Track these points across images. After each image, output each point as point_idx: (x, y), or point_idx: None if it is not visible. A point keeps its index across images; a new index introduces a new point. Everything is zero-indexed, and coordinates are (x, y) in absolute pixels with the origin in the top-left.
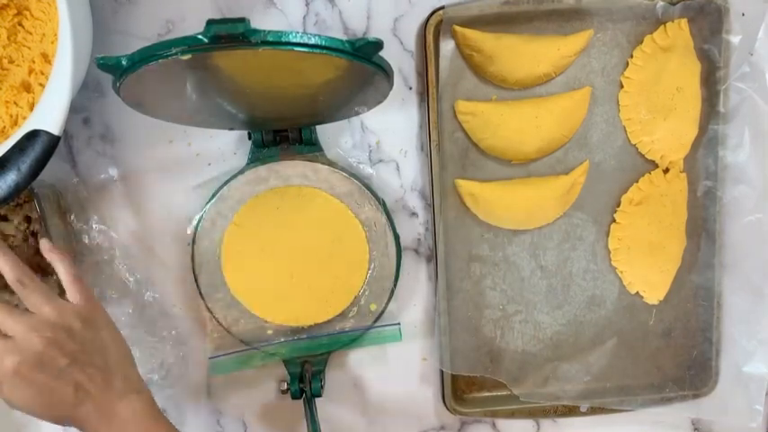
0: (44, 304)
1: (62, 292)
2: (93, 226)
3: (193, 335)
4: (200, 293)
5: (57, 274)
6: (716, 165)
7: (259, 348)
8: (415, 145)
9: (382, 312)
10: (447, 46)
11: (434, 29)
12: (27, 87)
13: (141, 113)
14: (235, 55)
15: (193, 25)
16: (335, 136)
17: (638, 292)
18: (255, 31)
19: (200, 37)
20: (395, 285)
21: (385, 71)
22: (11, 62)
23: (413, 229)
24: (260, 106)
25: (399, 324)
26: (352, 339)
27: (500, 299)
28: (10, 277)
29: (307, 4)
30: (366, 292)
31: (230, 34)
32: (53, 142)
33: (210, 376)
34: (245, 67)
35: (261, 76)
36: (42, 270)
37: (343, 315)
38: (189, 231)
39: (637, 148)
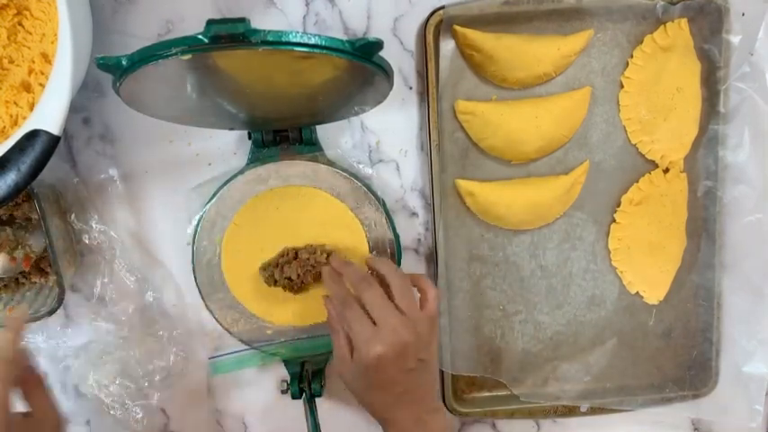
0: (411, 307)
1: (62, 293)
2: (94, 226)
3: (193, 335)
4: (201, 293)
5: (56, 276)
6: (716, 165)
7: (259, 348)
8: (415, 145)
9: None
10: (447, 46)
11: (434, 29)
12: (27, 87)
13: (141, 113)
14: (235, 55)
15: (193, 25)
16: (335, 136)
17: (638, 292)
18: (255, 31)
19: (200, 37)
20: None
21: (385, 71)
22: (11, 62)
23: (413, 229)
24: (260, 106)
25: None
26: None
27: (500, 299)
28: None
29: (307, 4)
30: None
31: (230, 34)
32: (53, 142)
33: (211, 376)
34: (245, 67)
35: (261, 76)
36: (41, 271)
37: None
38: (189, 231)
39: (637, 148)
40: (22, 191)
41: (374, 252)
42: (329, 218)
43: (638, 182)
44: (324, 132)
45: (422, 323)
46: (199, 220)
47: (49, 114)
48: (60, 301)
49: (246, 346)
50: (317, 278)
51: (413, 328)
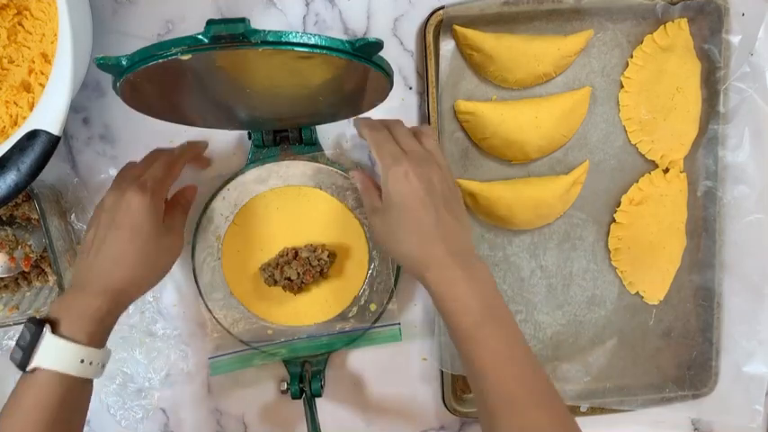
0: (426, 141)
1: (62, 293)
2: None
3: (193, 335)
4: (200, 293)
5: (56, 276)
6: (716, 165)
7: (259, 348)
8: None
9: (382, 312)
10: (447, 46)
11: (434, 29)
12: (27, 87)
13: (141, 113)
14: (235, 55)
15: (193, 25)
16: (335, 136)
17: (638, 292)
18: (255, 31)
19: (200, 37)
20: (395, 285)
21: (385, 71)
22: (11, 62)
23: None
24: (260, 106)
25: (399, 324)
26: (352, 339)
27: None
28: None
29: (307, 4)
30: (366, 292)
31: (230, 34)
32: (53, 142)
33: (211, 376)
34: (245, 67)
35: (261, 76)
36: (41, 271)
37: (342, 315)
38: (189, 231)
39: (637, 148)
40: (22, 191)
41: (374, 252)
42: (329, 218)
43: (638, 182)
44: (324, 132)
45: (438, 154)
46: (199, 220)
47: (49, 114)
48: None
49: (246, 346)
50: (317, 278)
51: (436, 156)
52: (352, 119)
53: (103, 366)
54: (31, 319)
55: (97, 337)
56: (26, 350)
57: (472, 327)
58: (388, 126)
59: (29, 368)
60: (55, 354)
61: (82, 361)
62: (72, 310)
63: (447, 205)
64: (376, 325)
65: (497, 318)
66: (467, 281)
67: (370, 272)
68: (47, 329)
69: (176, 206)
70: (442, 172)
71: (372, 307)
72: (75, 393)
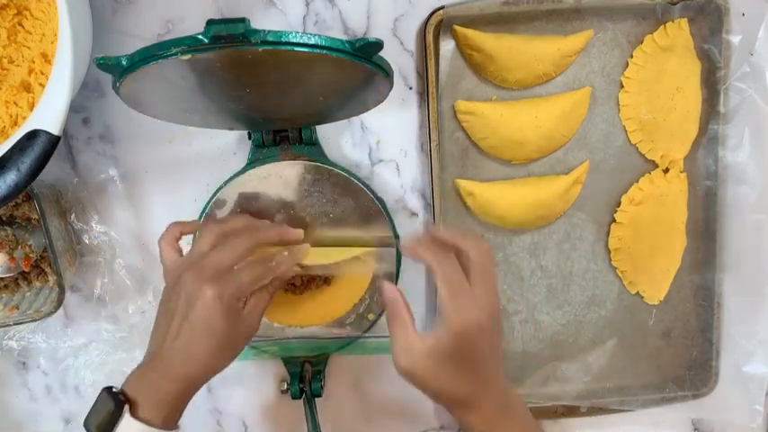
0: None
1: (62, 293)
2: (94, 226)
3: None
4: None
5: (56, 276)
6: (716, 165)
7: (259, 348)
8: (415, 145)
9: (375, 321)
10: (447, 46)
11: (434, 29)
12: (27, 87)
13: (141, 113)
14: (235, 55)
15: (193, 25)
16: (335, 136)
17: (638, 292)
18: (255, 31)
19: (200, 37)
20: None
21: (385, 71)
22: (11, 62)
23: (413, 229)
24: (260, 106)
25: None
26: (346, 344)
27: (500, 299)
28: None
29: (307, 4)
30: (366, 302)
31: (230, 34)
32: (53, 142)
33: None
34: (245, 67)
35: (261, 75)
36: (41, 271)
37: (340, 321)
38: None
39: (637, 148)
40: (21, 191)
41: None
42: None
43: (638, 182)
44: (324, 132)
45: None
46: (199, 220)
47: (49, 114)
48: (60, 301)
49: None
50: (320, 284)
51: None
52: (403, 241)
53: None
54: (110, 392)
55: (171, 418)
56: (105, 428)
57: None
58: (454, 243)
59: None
60: None
61: None
62: (150, 393)
63: (499, 328)
64: (367, 335)
65: None
66: (509, 420)
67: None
68: (126, 411)
69: (262, 290)
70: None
71: (371, 316)
72: None
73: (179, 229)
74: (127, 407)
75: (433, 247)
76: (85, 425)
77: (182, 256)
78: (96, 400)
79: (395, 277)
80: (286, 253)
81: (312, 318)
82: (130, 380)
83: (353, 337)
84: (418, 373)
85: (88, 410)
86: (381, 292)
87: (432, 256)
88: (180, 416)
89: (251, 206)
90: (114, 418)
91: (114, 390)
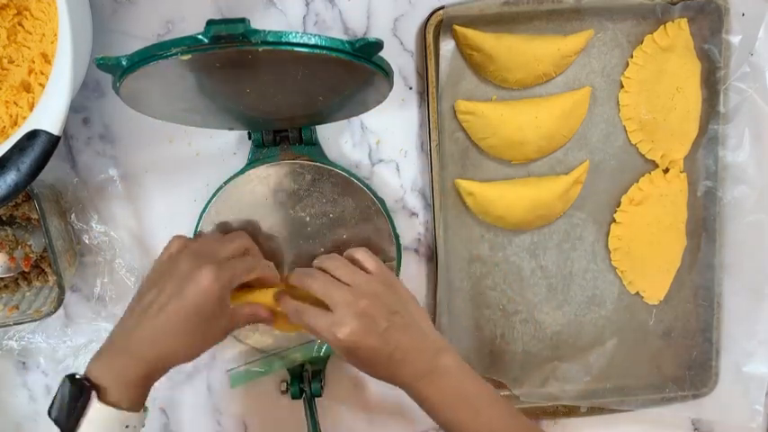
0: (354, 274)
1: (62, 293)
2: (94, 226)
3: None
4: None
5: (56, 276)
6: (716, 165)
7: (279, 354)
8: (415, 145)
9: None
10: (447, 46)
11: (434, 29)
12: (27, 87)
13: (141, 113)
14: (235, 55)
15: (193, 25)
16: (335, 136)
17: (638, 292)
18: (255, 32)
19: (200, 37)
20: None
21: (385, 71)
22: (11, 62)
23: (413, 229)
24: (260, 106)
25: None
26: None
27: (500, 299)
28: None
29: (307, 4)
30: None
31: (230, 34)
32: (53, 142)
33: (232, 388)
34: (245, 67)
35: (261, 75)
36: (41, 271)
37: None
38: (189, 231)
39: (637, 148)
40: (21, 191)
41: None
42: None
43: (638, 182)
44: (324, 132)
45: (387, 274)
46: (199, 220)
47: (49, 114)
48: (60, 301)
49: (263, 353)
50: None
51: (362, 293)
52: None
53: (143, 427)
54: (73, 380)
55: (138, 401)
56: (72, 414)
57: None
58: (322, 267)
59: None
60: (101, 421)
61: (126, 426)
62: (115, 374)
63: (396, 322)
64: None
65: (471, 405)
66: (433, 386)
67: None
68: (94, 397)
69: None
70: (385, 287)
71: None
72: None
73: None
74: (94, 392)
75: (308, 273)
76: (50, 414)
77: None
78: (59, 389)
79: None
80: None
81: None
82: (94, 365)
83: None
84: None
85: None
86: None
87: (310, 283)
88: (145, 399)
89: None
90: (83, 404)
91: (78, 376)
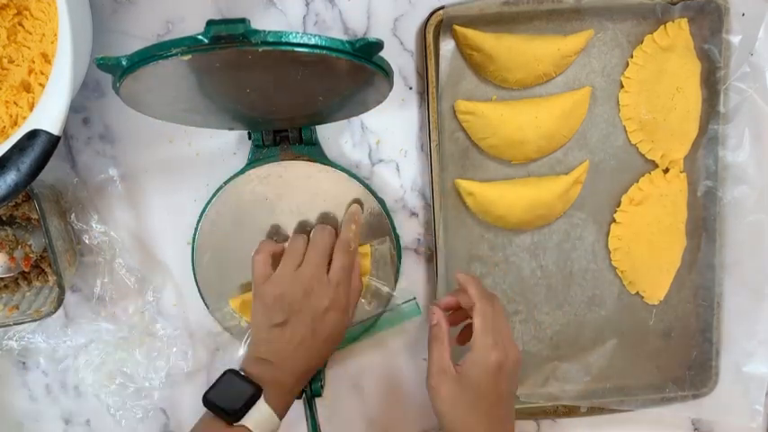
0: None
1: (62, 293)
2: (94, 226)
3: (193, 335)
4: (201, 294)
5: (56, 276)
6: (716, 165)
7: None
8: (415, 145)
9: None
10: (447, 46)
11: (434, 29)
12: (27, 87)
13: (141, 113)
14: (235, 55)
15: (193, 25)
16: (335, 136)
17: (638, 292)
18: (255, 32)
19: (200, 37)
20: (395, 285)
21: (385, 71)
22: (11, 62)
23: (413, 229)
24: (260, 106)
25: (415, 298)
26: (371, 325)
27: (500, 299)
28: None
29: (307, 4)
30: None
31: (230, 34)
32: (53, 142)
33: None
34: (245, 68)
35: (261, 76)
36: (41, 271)
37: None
38: (189, 231)
39: (637, 148)
40: (21, 191)
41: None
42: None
43: (638, 182)
44: (324, 132)
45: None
46: (199, 220)
47: (49, 114)
48: (60, 301)
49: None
50: None
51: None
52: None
53: None
54: (241, 377)
55: (284, 411)
56: (241, 407)
57: None
58: (479, 302)
59: (237, 424)
60: (261, 419)
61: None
62: (274, 385)
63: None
64: (389, 307)
65: None
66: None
67: (374, 264)
68: (262, 397)
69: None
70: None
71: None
72: None
73: (270, 248)
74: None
75: (477, 283)
76: (213, 401)
77: (273, 271)
78: (224, 380)
79: (393, 282)
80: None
81: None
82: (252, 370)
83: (375, 316)
84: (442, 393)
85: (210, 386)
86: (429, 315)
87: (474, 289)
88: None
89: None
90: (252, 401)
91: (243, 374)
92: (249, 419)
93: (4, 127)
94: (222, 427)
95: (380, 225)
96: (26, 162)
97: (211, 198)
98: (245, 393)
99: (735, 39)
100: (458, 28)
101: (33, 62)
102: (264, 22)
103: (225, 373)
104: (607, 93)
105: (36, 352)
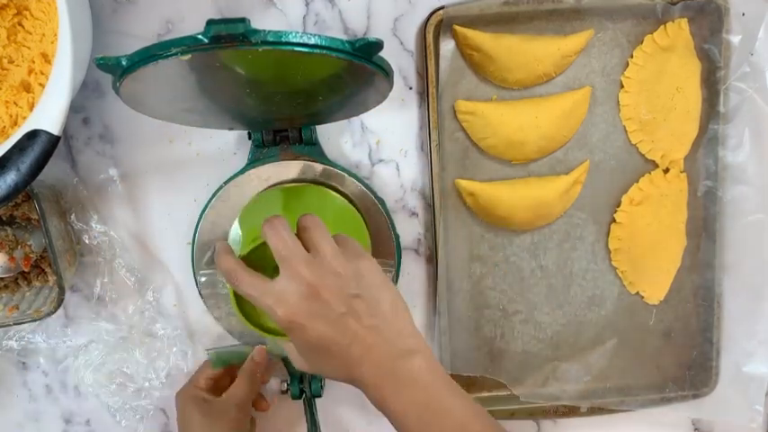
0: (322, 240)
1: (62, 293)
2: (93, 226)
3: (193, 335)
4: (201, 294)
5: (56, 276)
6: (716, 165)
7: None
8: (415, 145)
9: None
10: (447, 46)
11: (434, 29)
12: (27, 87)
13: (141, 113)
14: (235, 55)
15: (193, 25)
16: (335, 136)
17: (638, 292)
18: (255, 31)
19: (200, 37)
20: (395, 285)
21: (385, 71)
22: (11, 62)
23: (413, 229)
24: (260, 106)
25: None
26: None
27: (500, 299)
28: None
29: (307, 4)
30: None
31: (230, 34)
32: (53, 142)
33: (213, 369)
34: (245, 67)
35: (261, 75)
36: (41, 271)
37: None
38: (189, 231)
39: (637, 148)
40: (21, 191)
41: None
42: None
43: (638, 182)
44: (324, 132)
45: (358, 251)
46: (199, 220)
47: (49, 114)
48: (60, 301)
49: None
50: None
51: (351, 255)
52: None
53: None
54: None
55: None
56: None
57: None
58: (298, 224)
59: None
60: None
61: None
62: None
63: (358, 309)
64: None
65: (444, 425)
66: (397, 394)
67: None
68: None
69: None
70: (354, 265)
71: None
72: None
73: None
74: None
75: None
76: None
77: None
78: None
79: (395, 279)
80: None
81: None
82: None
83: None
84: (305, 368)
85: None
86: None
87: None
88: None
89: None
90: None
91: None
92: None
93: (4, 127)
94: None
95: (380, 225)
96: (26, 162)
97: (211, 198)
98: None
99: (735, 39)
100: (458, 28)
101: (33, 62)
102: (264, 21)
103: None
104: (607, 93)
105: (36, 352)
